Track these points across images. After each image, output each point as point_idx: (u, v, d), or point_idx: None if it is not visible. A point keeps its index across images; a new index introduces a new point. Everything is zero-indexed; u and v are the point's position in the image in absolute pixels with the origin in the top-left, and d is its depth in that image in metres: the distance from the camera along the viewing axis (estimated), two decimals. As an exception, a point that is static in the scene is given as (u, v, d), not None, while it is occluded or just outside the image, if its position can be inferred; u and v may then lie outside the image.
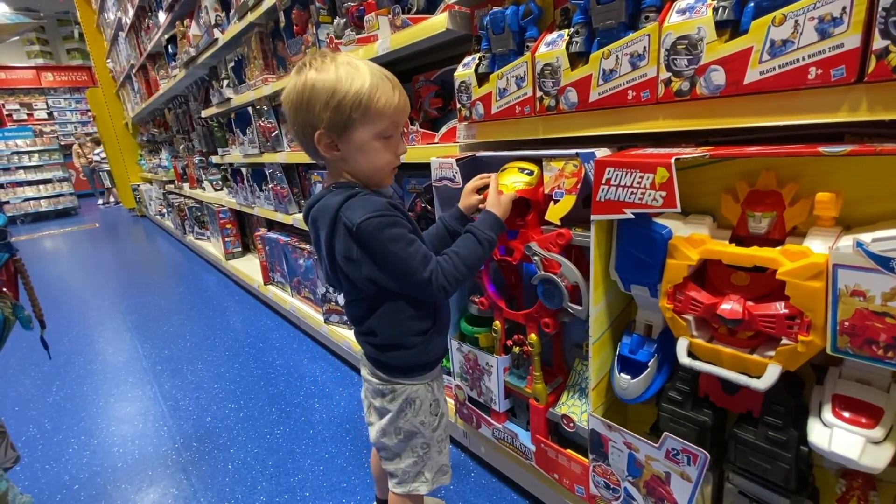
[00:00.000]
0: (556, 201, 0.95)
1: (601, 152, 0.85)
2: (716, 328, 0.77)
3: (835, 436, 0.64)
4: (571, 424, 1.08)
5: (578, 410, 1.09)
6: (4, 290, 0.87)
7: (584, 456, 1.05)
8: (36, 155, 8.72)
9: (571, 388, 1.15)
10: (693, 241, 0.74)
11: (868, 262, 0.57)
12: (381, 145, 0.82)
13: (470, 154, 1.17)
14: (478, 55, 1.12)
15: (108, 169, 9.31)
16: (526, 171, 1.01)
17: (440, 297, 0.84)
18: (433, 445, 0.99)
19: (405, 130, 1.49)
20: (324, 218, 0.83)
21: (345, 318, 2.10)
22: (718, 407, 0.85)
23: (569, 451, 1.09)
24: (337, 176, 0.87)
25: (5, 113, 10.43)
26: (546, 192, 0.98)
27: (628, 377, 0.88)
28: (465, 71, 1.13)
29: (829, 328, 0.62)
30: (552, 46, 0.93)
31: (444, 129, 1.35)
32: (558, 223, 0.96)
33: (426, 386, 0.96)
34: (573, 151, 0.90)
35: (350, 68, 0.78)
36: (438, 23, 1.18)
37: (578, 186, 0.91)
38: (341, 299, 1.94)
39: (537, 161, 1.00)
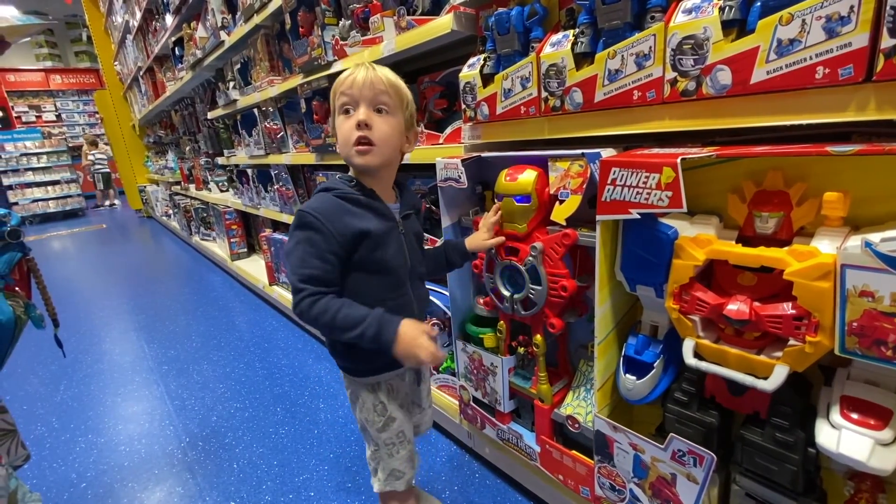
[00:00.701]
0: (561, 201, 0.95)
1: (607, 152, 0.85)
2: (722, 329, 0.76)
3: (843, 437, 0.64)
4: (576, 425, 1.08)
5: (584, 411, 1.08)
6: (17, 289, 0.88)
7: (589, 457, 1.04)
8: (44, 156, 8.81)
9: (576, 388, 1.14)
10: (699, 241, 0.74)
11: (876, 263, 0.56)
12: (342, 119, 0.87)
13: (475, 154, 1.17)
14: (483, 56, 1.12)
15: (104, 171, 9.44)
16: (523, 200, 1.00)
17: (295, 311, 0.83)
18: (381, 447, 1.00)
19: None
20: None
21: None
22: (725, 408, 0.85)
23: (574, 452, 1.09)
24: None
25: (14, 115, 10.54)
26: (552, 192, 0.98)
27: (634, 378, 0.88)
28: (470, 72, 1.13)
29: (837, 329, 0.62)
30: (557, 47, 0.93)
31: (448, 130, 1.35)
32: (564, 223, 0.96)
33: (368, 388, 0.97)
34: (579, 152, 0.90)
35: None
36: (444, 24, 1.19)
37: (584, 186, 0.91)
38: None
39: (542, 162, 1.00)
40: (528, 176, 1.00)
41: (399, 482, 1.02)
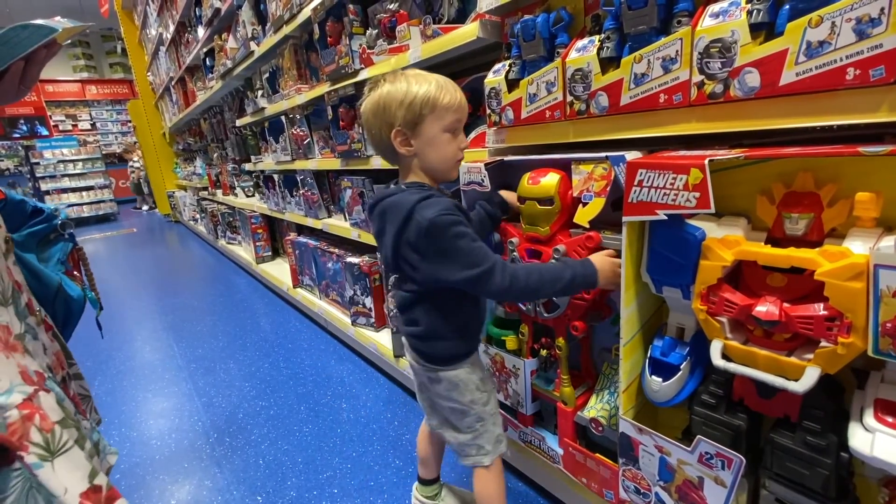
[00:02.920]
0: (584, 204, 0.96)
1: (631, 155, 0.86)
2: (751, 330, 0.76)
3: (877, 441, 0.63)
4: (600, 428, 1.07)
5: (607, 414, 1.08)
6: (75, 273, 0.95)
7: (612, 460, 1.04)
8: (80, 163, 9.19)
9: (600, 391, 1.14)
10: (727, 242, 0.74)
11: (911, 263, 0.56)
12: (448, 138, 0.92)
13: (498, 158, 1.19)
14: (508, 62, 1.15)
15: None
16: (545, 202, 1.03)
17: (494, 291, 0.87)
18: (487, 419, 1.03)
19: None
20: (395, 212, 0.89)
21: (371, 320, 2.14)
22: (754, 411, 0.84)
23: (598, 455, 1.09)
24: (407, 173, 0.96)
25: (52, 123, 11.04)
26: (575, 194, 0.99)
27: (660, 380, 0.88)
28: (495, 77, 1.16)
29: (870, 330, 0.61)
30: (583, 52, 0.94)
31: (473, 135, 1.38)
32: (587, 226, 0.97)
33: (467, 369, 1.01)
34: (602, 154, 0.91)
35: (419, 77, 0.90)
36: (469, 32, 1.22)
37: (608, 189, 0.92)
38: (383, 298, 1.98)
39: (565, 165, 1.01)
40: (551, 179, 1.01)
41: (502, 445, 1.06)
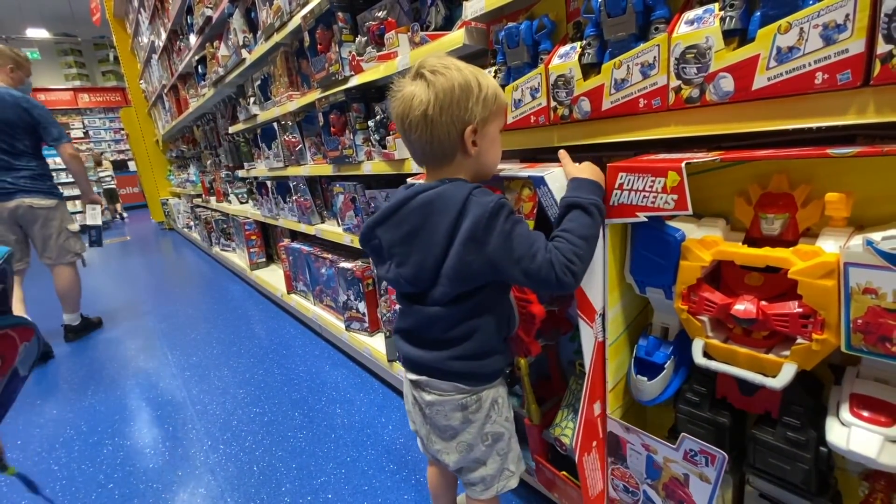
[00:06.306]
0: None
1: (552, 175, 0.86)
2: (731, 329, 0.78)
3: (853, 435, 0.65)
4: (564, 448, 1.08)
5: (570, 433, 1.07)
6: None
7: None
8: (72, 172, 9.16)
9: (565, 408, 1.12)
10: (706, 242, 0.76)
11: (879, 260, 0.58)
12: (500, 138, 0.88)
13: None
14: (493, 68, 1.17)
15: (108, 187, 10.24)
16: None
17: (566, 281, 0.74)
18: (512, 436, 0.97)
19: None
20: (446, 202, 0.79)
21: (365, 325, 2.15)
22: (737, 409, 0.86)
23: (563, 473, 1.09)
24: (450, 175, 0.85)
25: (45, 133, 11.01)
26: None
27: (645, 379, 0.89)
28: (481, 83, 1.17)
29: (842, 326, 0.63)
30: (565, 58, 0.96)
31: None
32: None
33: (502, 385, 0.96)
34: (525, 174, 0.90)
35: (471, 67, 0.81)
36: (456, 38, 1.23)
37: (535, 211, 0.92)
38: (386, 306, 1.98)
39: (498, 182, 0.98)
40: None
41: (522, 462, 1.00)
